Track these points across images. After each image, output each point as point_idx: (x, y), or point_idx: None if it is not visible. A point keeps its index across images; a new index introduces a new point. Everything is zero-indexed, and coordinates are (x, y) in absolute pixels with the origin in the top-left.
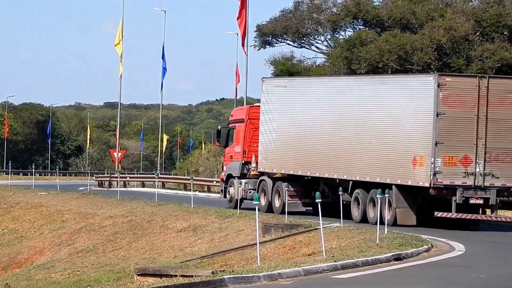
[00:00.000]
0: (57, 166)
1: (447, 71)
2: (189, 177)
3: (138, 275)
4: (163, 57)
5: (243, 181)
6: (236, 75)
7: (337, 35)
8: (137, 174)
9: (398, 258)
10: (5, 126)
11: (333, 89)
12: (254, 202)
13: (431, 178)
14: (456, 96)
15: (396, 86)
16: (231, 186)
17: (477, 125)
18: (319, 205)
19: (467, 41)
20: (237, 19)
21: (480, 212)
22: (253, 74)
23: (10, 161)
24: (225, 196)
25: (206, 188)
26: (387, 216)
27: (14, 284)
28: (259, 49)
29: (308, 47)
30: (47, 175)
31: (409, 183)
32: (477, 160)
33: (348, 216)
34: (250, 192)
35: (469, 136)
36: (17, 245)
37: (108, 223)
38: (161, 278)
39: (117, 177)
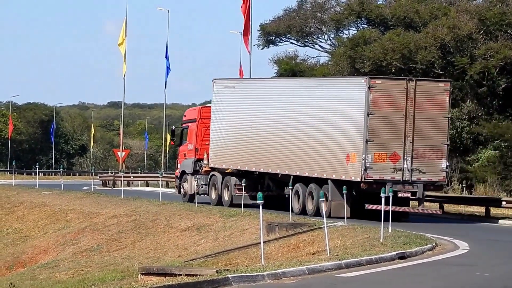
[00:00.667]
0: (61, 166)
1: (451, 69)
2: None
3: (142, 274)
4: (166, 56)
5: (196, 177)
6: (239, 74)
7: (340, 34)
8: (141, 173)
9: (402, 257)
10: (9, 126)
11: (276, 90)
12: (258, 201)
13: (362, 173)
14: (385, 97)
15: (331, 88)
16: (185, 182)
17: (405, 124)
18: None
19: (471, 40)
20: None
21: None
22: (257, 74)
23: (14, 161)
24: (179, 192)
25: None
26: (324, 208)
27: (19, 283)
28: (262, 48)
29: (311, 46)
30: (51, 174)
31: (343, 178)
32: (405, 157)
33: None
34: (202, 187)
35: (398, 134)
36: (21, 245)
37: (112, 222)
38: (165, 277)
39: (121, 177)
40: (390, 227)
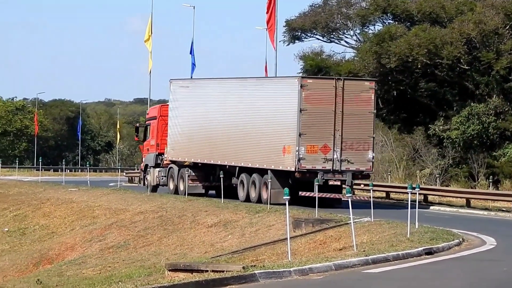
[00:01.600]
0: (87, 162)
1: (477, 64)
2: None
3: (169, 270)
4: (191, 53)
5: (157, 169)
6: (265, 71)
7: (366, 30)
8: None
9: (429, 252)
10: (35, 123)
11: (223, 89)
12: (285, 197)
13: (296, 163)
14: (316, 95)
15: (269, 86)
16: (148, 174)
17: (334, 119)
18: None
19: (497, 35)
20: (266, 13)
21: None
22: (282, 70)
23: (40, 158)
24: (144, 184)
25: None
26: (264, 196)
27: (46, 280)
28: (288, 44)
29: (337, 41)
30: (78, 171)
31: (280, 168)
32: (335, 148)
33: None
34: (162, 178)
35: (328, 128)
36: (48, 241)
37: (138, 218)
38: (192, 274)
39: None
40: (417, 223)
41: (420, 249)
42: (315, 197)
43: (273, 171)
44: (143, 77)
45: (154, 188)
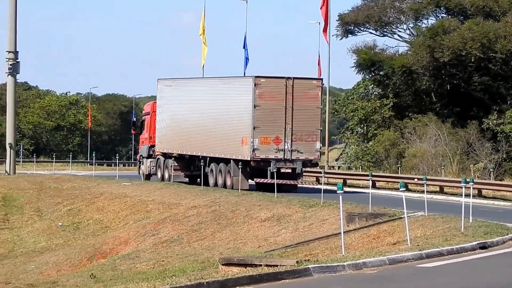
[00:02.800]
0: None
1: None
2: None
3: (223, 264)
4: (245, 47)
5: (149, 160)
6: (318, 65)
7: (419, 24)
8: None
9: (483, 247)
10: (89, 117)
11: (197, 88)
12: (338, 191)
13: (251, 153)
14: (269, 92)
15: (230, 86)
16: (142, 164)
17: (285, 113)
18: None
19: None
20: (320, 8)
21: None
22: (335, 64)
23: (94, 152)
24: (139, 172)
25: None
26: (228, 182)
27: (100, 274)
28: (341, 39)
29: (390, 35)
30: (131, 165)
31: (240, 157)
32: (286, 140)
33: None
34: (152, 168)
35: (279, 122)
36: (102, 236)
37: (192, 213)
38: (245, 268)
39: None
40: (471, 217)
41: (474, 243)
42: (269, 183)
43: (234, 160)
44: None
45: (147, 177)
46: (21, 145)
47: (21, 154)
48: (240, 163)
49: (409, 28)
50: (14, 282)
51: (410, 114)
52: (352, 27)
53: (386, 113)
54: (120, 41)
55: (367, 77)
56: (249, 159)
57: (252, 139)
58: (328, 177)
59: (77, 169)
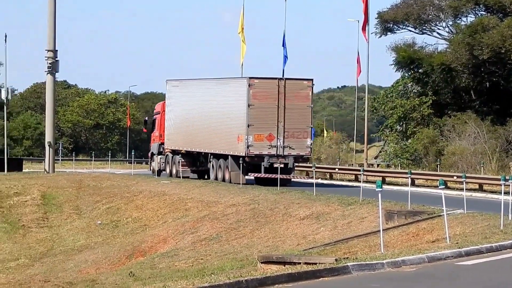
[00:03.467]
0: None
1: None
2: (311, 165)
3: (262, 262)
4: (284, 45)
5: (159, 156)
6: (357, 63)
7: (458, 21)
8: None
9: None
10: (128, 116)
11: (199, 88)
12: (377, 189)
13: (246, 149)
14: (262, 92)
15: (227, 86)
16: (153, 161)
17: (277, 112)
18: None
19: None
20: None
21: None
22: (374, 61)
23: (133, 150)
24: (150, 169)
25: (328, 176)
26: (226, 176)
27: (139, 272)
28: (380, 36)
29: (429, 33)
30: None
31: (236, 153)
32: (278, 137)
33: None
34: (162, 164)
35: (272, 120)
36: (140, 234)
37: (231, 211)
38: (284, 266)
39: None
40: (510, 215)
41: None
42: (263, 177)
43: (232, 156)
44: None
45: (158, 173)
46: (60, 144)
47: (60, 153)
48: (237, 158)
49: (448, 25)
50: (53, 280)
51: (449, 112)
52: (391, 25)
53: (425, 111)
54: (159, 39)
55: (406, 75)
56: (244, 155)
57: (246, 136)
58: (367, 175)
59: (116, 167)
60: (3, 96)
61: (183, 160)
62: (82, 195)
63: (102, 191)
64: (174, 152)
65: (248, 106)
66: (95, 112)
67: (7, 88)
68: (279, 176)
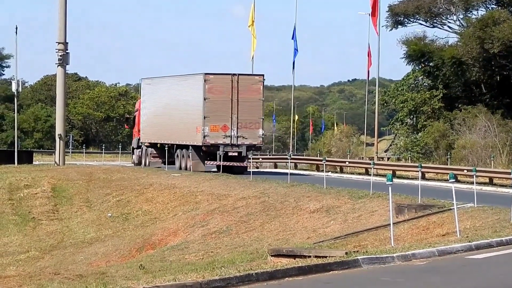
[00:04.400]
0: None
1: None
2: (321, 158)
3: (272, 256)
4: (294, 38)
5: (138, 150)
6: (368, 56)
7: (469, 15)
8: (270, 155)
9: None
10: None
11: (165, 85)
12: (387, 183)
13: (203, 139)
14: (217, 87)
15: (187, 82)
16: (133, 154)
17: (231, 105)
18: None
19: None
20: None
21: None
22: (385, 55)
23: None
24: (132, 162)
25: (338, 169)
26: (188, 165)
27: (149, 265)
28: (391, 29)
29: (440, 26)
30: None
31: (195, 143)
32: (232, 128)
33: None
34: (139, 157)
35: (227, 112)
36: (151, 227)
37: (241, 204)
38: (294, 259)
39: (249, 159)
40: None
41: None
42: (220, 164)
43: (192, 146)
44: (245, 63)
45: (138, 164)
46: (71, 136)
47: (70, 145)
48: (197, 148)
49: (459, 19)
50: (63, 273)
51: (459, 105)
52: (402, 18)
53: (436, 104)
54: (170, 32)
55: (417, 68)
56: (201, 144)
57: (203, 127)
58: (377, 168)
59: (126, 160)
60: (14, 89)
61: (155, 152)
62: (92, 188)
63: (112, 184)
64: (150, 145)
65: (204, 99)
66: (106, 104)
67: (18, 81)
68: (231, 163)
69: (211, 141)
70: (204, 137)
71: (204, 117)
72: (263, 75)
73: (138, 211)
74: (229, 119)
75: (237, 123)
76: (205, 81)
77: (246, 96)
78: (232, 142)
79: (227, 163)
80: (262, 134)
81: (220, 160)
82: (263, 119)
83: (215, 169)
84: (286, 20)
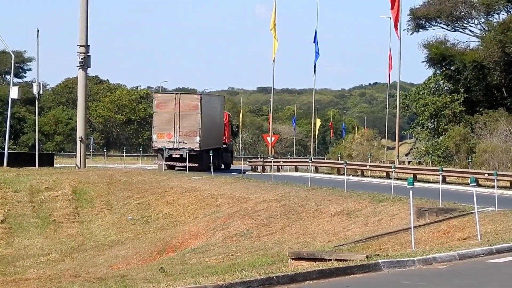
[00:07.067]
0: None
1: None
2: (342, 162)
3: (293, 259)
4: (315, 41)
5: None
6: (389, 59)
7: (491, 18)
8: (290, 158)
9: None
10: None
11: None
12: (408, 186)
13: (153, 144)
14: (163, 103)
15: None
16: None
17: (174, 117)
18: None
19: None
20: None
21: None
22: (406, 58)
23: (164, 146)
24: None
25: (359, 172)
26: (162, 167)
27: (169, 268)
28: (412, 33)
29: (461, 30)
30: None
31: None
32: (175, 135)
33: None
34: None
35: (171, 123)
36: (171, 229)
37: (261, 207)
38: (315, 262)
39: (270, 162)
40: None
41: None
42: (169, 164)
43: (154, 149)
44: (266, 65)
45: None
46: (92, 139)
47: (91, 148)
48: (154, 151)
49: (481, 23)
50: (84, 276)
51: (481, 109)
52: (423, 22)
53: (457, 108)
54: (191, 35)
55: (438, 72)
56: (153, 148)
57: (153, 135)
58: (398, 172)
59: (147, 163)
60: (35, 91)
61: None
62: (113, 191)
63: (133, 187)
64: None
65: (154, 113)
66: (127, 107)
67: (39, 83)
68: (177, 164)
69: (159, 145)
70: (153, 142)
71: (153, 127)
72: (201, 94)
73: (158, 214)
74: (172, 129)
75: (179, 132)
76: (154, 98)
77: (186, 111)
78: (175, 147)
79: (173, 163)
80: (199, 141)
81: (167, 161)
82: (200, 128)
83: (166, 168)
84: (307, 22)
